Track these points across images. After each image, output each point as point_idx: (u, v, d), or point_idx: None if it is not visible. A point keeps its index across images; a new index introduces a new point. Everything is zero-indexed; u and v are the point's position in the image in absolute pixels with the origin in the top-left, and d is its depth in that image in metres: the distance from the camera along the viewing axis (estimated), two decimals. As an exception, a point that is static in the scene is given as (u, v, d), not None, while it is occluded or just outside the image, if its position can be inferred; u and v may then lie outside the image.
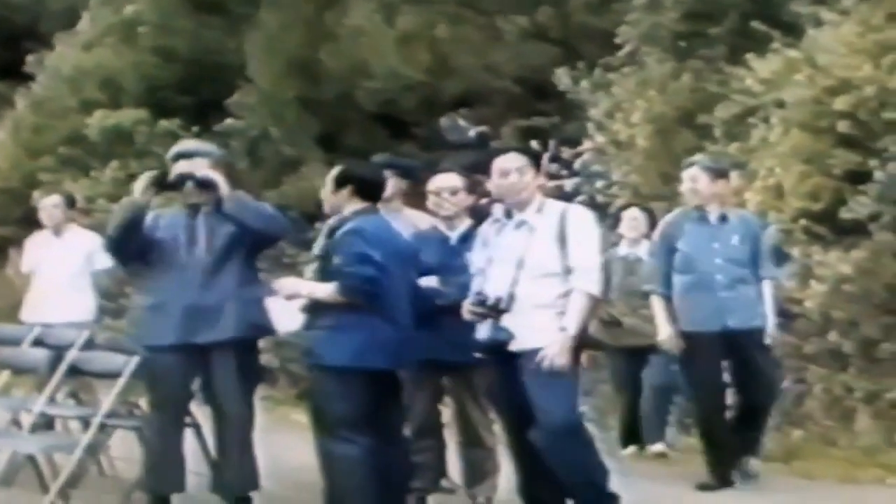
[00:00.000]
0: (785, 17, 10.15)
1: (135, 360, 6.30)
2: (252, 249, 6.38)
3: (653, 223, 8.00)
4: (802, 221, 8.76)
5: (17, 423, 6.95)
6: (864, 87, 8.63)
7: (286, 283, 5.84)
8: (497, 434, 6.33)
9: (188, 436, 6.41)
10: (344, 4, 15.13)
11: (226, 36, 16.58)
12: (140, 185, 6.22)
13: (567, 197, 9.61)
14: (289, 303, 5.77)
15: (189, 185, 6.22)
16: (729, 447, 7.22)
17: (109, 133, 16.39)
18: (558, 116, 12.92)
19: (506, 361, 5.60)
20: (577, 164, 11.45)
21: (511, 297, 5.54)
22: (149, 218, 6.27)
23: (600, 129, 11.35)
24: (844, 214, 8.58)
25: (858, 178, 8.67)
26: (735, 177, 8.01)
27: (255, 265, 6.51)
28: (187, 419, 6.40)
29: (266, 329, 6.14)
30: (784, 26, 9.92)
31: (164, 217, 6.37)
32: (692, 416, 7.85)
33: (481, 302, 5.56)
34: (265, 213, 6.36)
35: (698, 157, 8.19)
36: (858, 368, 8.56)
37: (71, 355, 6.77)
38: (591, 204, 9.46)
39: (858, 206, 8.50)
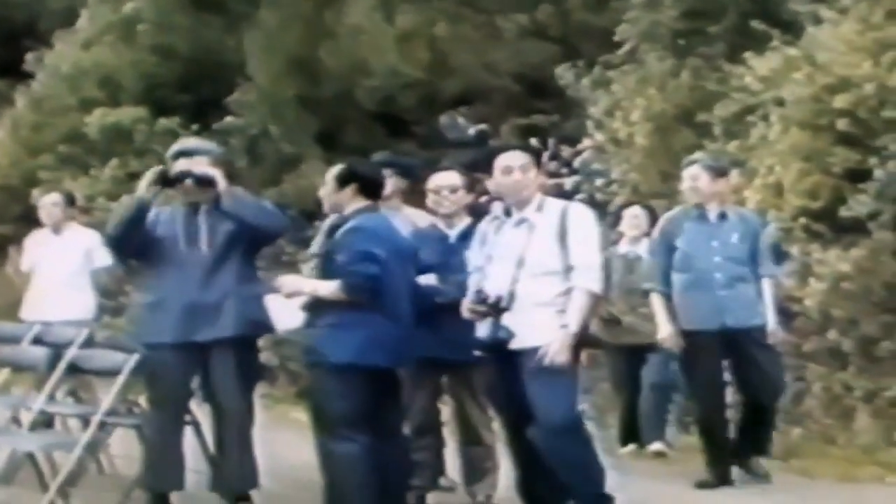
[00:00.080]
0: (784, 15, 10.16)
1: (134, 359, 6.30)
2: (251, 247, 6.39)
3: (653, 221, 7.99)
4: (802, 220, 8.76)
5: (16, 421, 6.95)
6: (863, 85, 8.63)
7: (288, 281, 5.84)
8: (496, 432, 6.33)
9: (188, 434, 6.41)
10: (343, 3, 15.13)
11: (225, 34, 16.57)
12: (145, 181, 6.23)
13: (566, 195, 9.60)
14: (288, 300, 5.77)
15: (188, 182, 6.22)
16: (728, 445, 7.23)
17: (109, 131, 16.39)
18: (558, 115, 12.93)
19: (506, 360, 5.60)
20: (576, 163, 11.45)
21: (511, 296, 5.53)
22: (149, 215, 6.28)
23: (599, 127, 11.35)
24: (844, 213, 8.58)
25: (858, 176, 8.67)
26: (734, 175, 8.01)
27: (254, 263, 6.51)
28: (187, 417, 6.40)
29: (266, 327, 6.15)
30: (783, 24, 9.92)
31: (163, 214, 6.37)
32: (691, 415, 7.85)
33: (482, 300, 5.56)
34: (264, 210, 6.37)
35: (698, 155, 8.19)
36: (858, 367, 8.56)
37: (70, 353, 6.76)
38: (591, 202, 9.46)
39: (858, 205, 8.50)
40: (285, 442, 7.31)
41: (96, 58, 17.60)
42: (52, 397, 6.78)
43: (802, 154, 8.97)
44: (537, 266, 5.57)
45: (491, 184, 5.88)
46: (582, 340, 5.56)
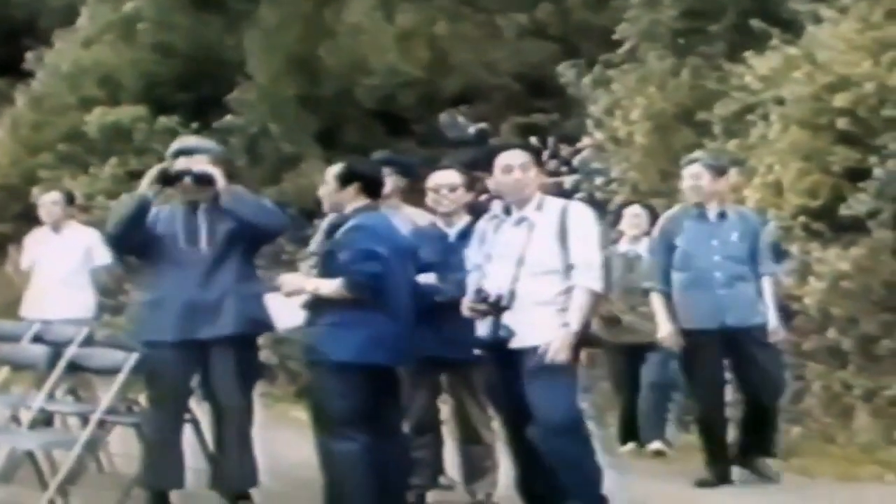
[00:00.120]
0: (784, 14, 10.17)
1: (134, 357, 6.30)
2: (251, 245, 6.38)
3: (654, 220, 7.98)
4: (801, 218, 8.77)
5: (16, 419, 6.94)
6: (863, 84, 8.64)
7: (289, 280, 5.84)
8: (495, 431, 6.32)
9: (187, 432, 6.40)
10: (343, 1, 15.15)
11: (225, 33, 16.58)
12: (146, 180, 6.23)
13: (566, 194, 9.61)
14: (288, 299, 5.77)
15: (187, 180, 6.21)
16: (727, 444, 7.23)
17: (108, 130, 16.39)
18: (557, 113, 12.95)
19: (506, 359, 5.59)
20: (575, 161, 11.46)
21: (511, 295, 5.53)
22: (149, 213, 6.28)
23: (599, 125, 11.36)
24: (843, 211, 8.58)
25: (857, 175, 8.68)
26: (733, 174, 8.01)
27: (253, 261, 6.51)
28: (186, 415, 6.40)
29: (265, 325, 6.15)
30: (783, 23, 9.93)
31: (163, 213, 6.37)
32: (691, 414, 7.85)
33: (482, 299, 5.55)
34: (263, 208, 6.36)
35: (699, 154, 8.18)
36: (857, 366, 8.56)
37: (70, 352, 6.76)
38: (590, 201, 9.45)
39: (857, 203, 8.50)
40: (285, 440, 7.31)
41: (96, 56, 17.60)
42: (51, 396, 6.78)
43: (802, 153, 8.97)
44: (537, 265, 5.56)
45: (491, 182, 5.88)
46: (583, 339, 5.56)
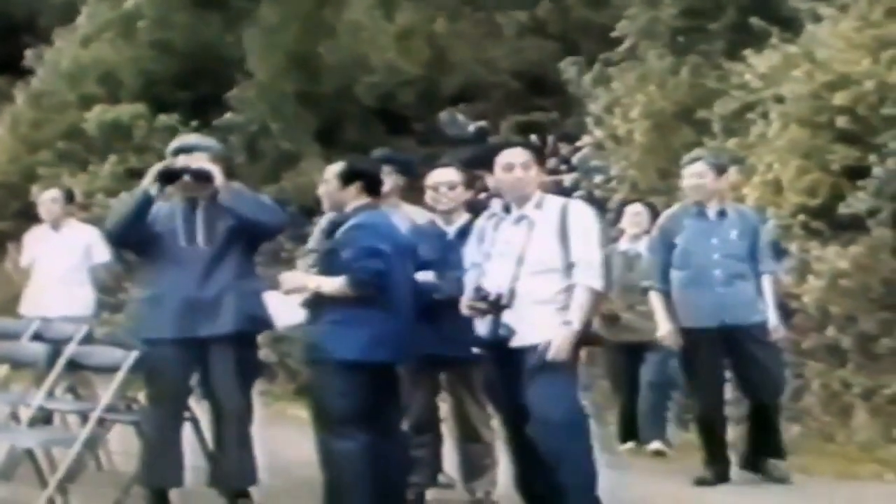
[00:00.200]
0: (783, 12, 10.17)
1: (133, 355, 6.29)
2: (250, 242, 6.38)
3: (655, 219, 7.98)
4: (800, 217, 8.77)
5: (15, 417, 6.94)
6: (862, 83, 8.64)
7: (291, 278, 5.83)
8: (495, 429, 6.32)
9: (186, 430, 6.40)
10: (343, -1, 15.15)
11: (225, 30, 16.58)
12: (148, 177, 6.23)
13: (565, 192, 9.61)
14: (288, 297, 5.77)
15: (186, 177, 6.21)
16: (727, 443, 7.23)
17: (108, 128, 16.39)
18: (557, 112, 12.95)
19: (505, 357, 5.59)
20: (575, 159, 11.46)
21: (511, 293, 5.53)
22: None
23: (599, 124, 11.36)
24: (842, 210, 8.59)
25: (857, 173, 8.68)
26: (733, 172, 8.01)
27: (252, 259, 6.50)
28: (186, 413, 6.40)
29: (265, 323, 6.14)
30: (782, 22, 9.93)
31: (163, 210, 6.36)
32: (690, 412, 7.84)
33: (482, 298, 5.55)
34: (262, 205, 6.36)
35: (699, 152, 8.16)
36: (856, 364, 8.56)
37: (69, 350, 6.76)
38: (590, 199, 9.46)
39: (856, 202, 8.50)
40: (284, 438, 7.31)
41: (96, 54, 17.60)
42: (51, 394, 6.78)
43: (801, 151, 8.97)
44: (537, 263, 5.55)
45: (491, 180, 5.88)
46: (583, 338, 5.56)
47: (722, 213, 7.17)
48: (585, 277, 5.54)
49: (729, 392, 7.46)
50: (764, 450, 7.19)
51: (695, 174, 7.22)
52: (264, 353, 8.94)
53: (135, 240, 6.37)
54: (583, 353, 5.68)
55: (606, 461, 5.71)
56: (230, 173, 6.46)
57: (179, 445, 6.30)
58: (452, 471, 6.61)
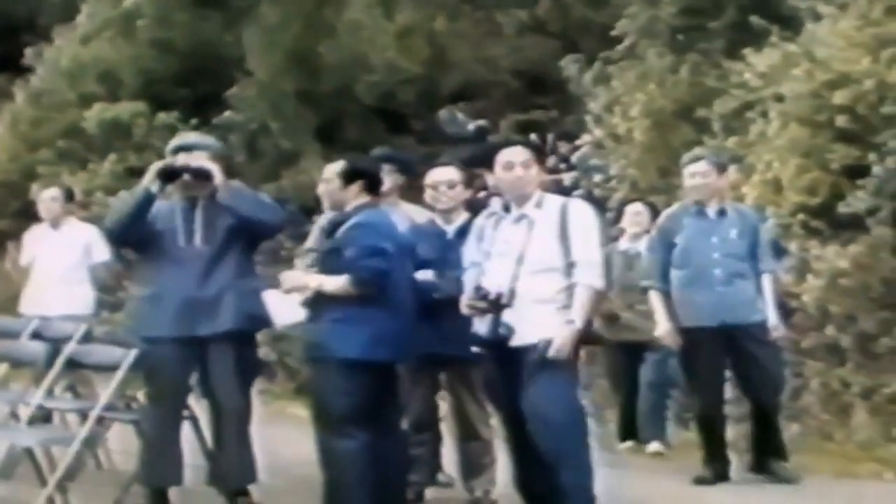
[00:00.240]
0: (783, 11, 10.17)
1: (133, 354, 6.29)
2: (250, 241, 6.38)
3: (655, 218, 7.98)
4: (800, 216, 8.77)
5: (15, 416, 6.94)
6: (862, 81, 8.64)
7: (291, 277, 5.83)
8: (494, 428, 6.32)
9: (186, 429, 6.40)
10: (343, -2, 15.16)
11: (224, 29, 16.58)
12: (148, 176, 6.23)
13: (565, 191, 9.61)
14: (287, 296, 5.76)
15: (186, 176, 6.21)
16: (726, 442, 7.23)
17: (107, 126, 16.38)
18: (557, 110, 12.95)
19: (505, 356, 5.58)
20: (574, 158, 11.46)
21: (511, 292, 5.52)
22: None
23: (599, 122, 11.36)
24: (842, 209, 8.59)
25: (856, 172, 8.68)
26: (733, 171, 8.00)
27: (252, 257, 6.50)
28: (185, 412, 6.40)
29: (264, 322, 6.13)
30: (782, 20, 9.93)
31: (163, 208, 6.36)
32: (690, 411, 7.84)
33: (482, 297, 5.54)
34: (261, 204, 6.36)
35: (700, 151, 8.15)
36: (856, 363, 8.56)
37: (69, 348, 6.76)
38: (589, 198, 9.46)
39: (856, 201, 8.50)
40: (284, 437, 7.31)
41: (95, 53, 17.59)
42: (50, 392, 6.78)
43: (801, 150, 8.97)
44: (537, 263, 5.55)
45: (492, 179, 5.87)
46: (583, 337, 5.56)
47: (722, 213, 7.17)
48: (587, 276, 5.53)
49: (729, 391, 7.45)
50: (771, 452, 7.18)
51: (696, 173, 7.21)
52: (264, 352, 8.94)
53: (135, 238, 6.37)
54: (583, 352, 5.68)
55: (606, 460, 5.71)
56: (230, 172, 6.46)
57: (179, 444, 6.30)
58: (451, 469, 6.61)
